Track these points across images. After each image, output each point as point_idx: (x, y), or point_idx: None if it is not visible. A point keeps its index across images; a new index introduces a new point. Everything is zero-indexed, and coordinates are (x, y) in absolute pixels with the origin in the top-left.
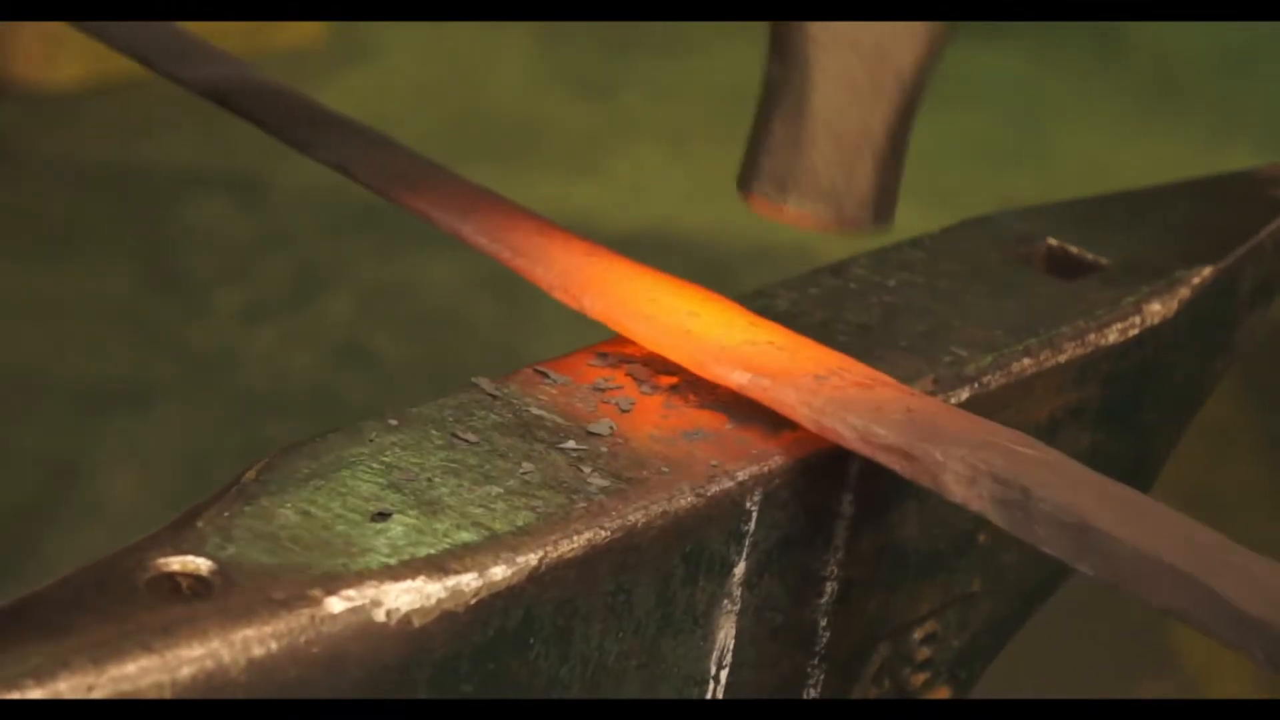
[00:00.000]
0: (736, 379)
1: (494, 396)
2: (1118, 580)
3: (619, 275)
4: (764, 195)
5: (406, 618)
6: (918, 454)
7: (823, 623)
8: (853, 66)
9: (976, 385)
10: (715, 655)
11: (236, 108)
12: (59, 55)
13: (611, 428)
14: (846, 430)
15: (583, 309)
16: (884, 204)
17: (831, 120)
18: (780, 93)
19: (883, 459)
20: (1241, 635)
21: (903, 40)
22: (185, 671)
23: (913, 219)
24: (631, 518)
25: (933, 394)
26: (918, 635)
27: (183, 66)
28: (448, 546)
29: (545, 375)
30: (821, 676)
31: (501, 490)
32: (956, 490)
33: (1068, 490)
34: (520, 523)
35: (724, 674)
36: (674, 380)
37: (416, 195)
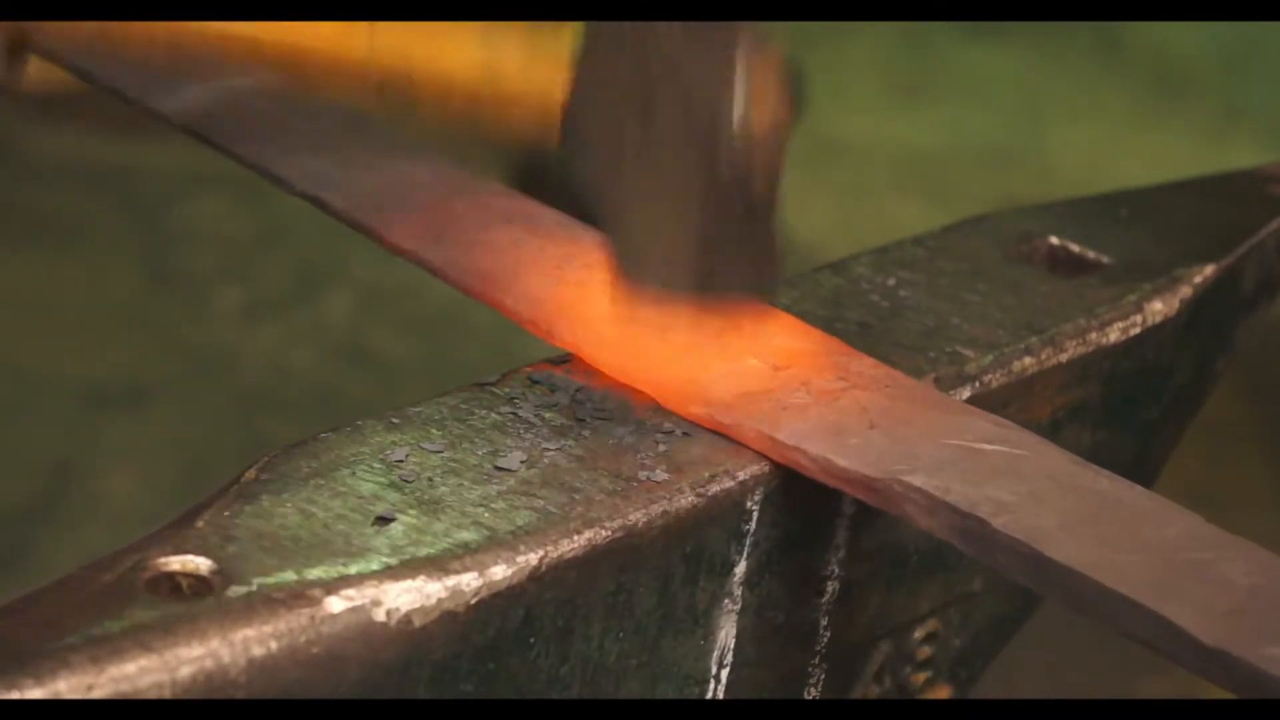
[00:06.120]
0: (695, 411)
1: (495, 396)
2: (1078, 610)
3: (587, 298)
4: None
5: (407, 617)
6: (879, 487)
7: (824, 622)
8: None
9: (978, 384)
10: (716, 654)
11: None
12: None
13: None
14: (807, 463)
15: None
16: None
17: None
18: None
19: (847, 490)
20: (1202, 664)
21: None
22: (185, 671)
23: (913, 218)
24: (632, 517)
25: None
26: (919, 634)
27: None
28: (448, 546)
29: (546, 375)
30: (822, 675)
31: (502, 490)
32: (920, 520)
33: (1033, 510)
34: (521, 522)
35: (725, 673)
36: None
37: (384, 227)
